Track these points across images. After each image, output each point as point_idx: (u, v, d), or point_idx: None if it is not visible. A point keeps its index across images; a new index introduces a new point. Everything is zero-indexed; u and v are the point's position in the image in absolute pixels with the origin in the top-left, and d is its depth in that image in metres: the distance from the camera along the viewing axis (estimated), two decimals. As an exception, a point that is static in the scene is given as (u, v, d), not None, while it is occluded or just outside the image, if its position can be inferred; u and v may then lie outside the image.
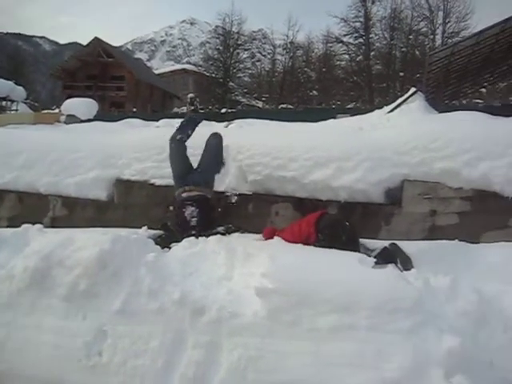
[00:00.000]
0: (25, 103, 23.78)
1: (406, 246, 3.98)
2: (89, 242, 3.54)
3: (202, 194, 4.53)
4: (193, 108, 5.04)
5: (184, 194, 4.52)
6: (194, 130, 5.00)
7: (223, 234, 4.11)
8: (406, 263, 3.75)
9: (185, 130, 4.89)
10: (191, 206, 4.42)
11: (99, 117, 18.47)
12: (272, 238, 4.04)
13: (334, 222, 3.89)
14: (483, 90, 30.59)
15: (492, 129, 4.86)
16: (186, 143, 4.92)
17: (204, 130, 5.08)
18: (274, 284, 3.01)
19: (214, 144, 5.01)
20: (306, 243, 3.79)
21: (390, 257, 3.68)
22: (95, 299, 3.23)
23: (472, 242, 4.03)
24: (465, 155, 4.35)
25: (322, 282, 3.04)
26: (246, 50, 52.27)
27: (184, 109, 40.00)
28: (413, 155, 4.53)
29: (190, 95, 5.13)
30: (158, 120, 16.00)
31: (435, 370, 2.57)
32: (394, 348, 2.68)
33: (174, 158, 4.83)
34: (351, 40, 45.80)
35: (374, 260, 3.34)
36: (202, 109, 4.81)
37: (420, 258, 3.73)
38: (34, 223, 3.97)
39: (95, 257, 3.33)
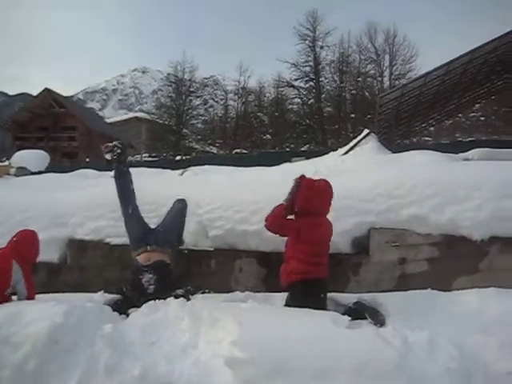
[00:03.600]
0: (-27, 156, 23.09)
1: (378, 299, 3.84)
2: (39, 315, 3.23)
3: (161, 260, 4.34)
4: (116, 157, 4.71)
5: (141, 259, 4.32)
6: (131, 183, 4.83)
7: (183, 297, 3.87)
8: (377, 317, 3.60)
9: (128, 199, 4.67)
10: (148, 274, 4.23)
11: (51, 168, 17.95)
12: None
13: (302, 281, 3.70)
14: (431, 128, 31.73)
15: (454, 172, 4.87)
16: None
17: (158, 179, 4.85)
18: (245, 353, 2.77)
19: (178, 208, 4.88)
20: None
21: (357, 314, 3.52)
22: (45, 380, 2.91)
23: (444, 290, 3.91)
24: (430, 200, 4.30)
25: (296, 347, 2.83)
26: (198, 96, 52.65)
27: (137, 157, 39.44)
28: (378, 202, 4.44)
29: (107, 145, 4.74)
30: (112, 170, 15.69)
31: None
32: (378, 419, 2.49)
33: (130, 221, 4.60)
34: (302, 84, 47.02)
35: (349, 318, 3.17)
36: (123, 152, 4.24)
37: (394, 311, 3.58)
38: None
39: (45, 332, 3.03)
